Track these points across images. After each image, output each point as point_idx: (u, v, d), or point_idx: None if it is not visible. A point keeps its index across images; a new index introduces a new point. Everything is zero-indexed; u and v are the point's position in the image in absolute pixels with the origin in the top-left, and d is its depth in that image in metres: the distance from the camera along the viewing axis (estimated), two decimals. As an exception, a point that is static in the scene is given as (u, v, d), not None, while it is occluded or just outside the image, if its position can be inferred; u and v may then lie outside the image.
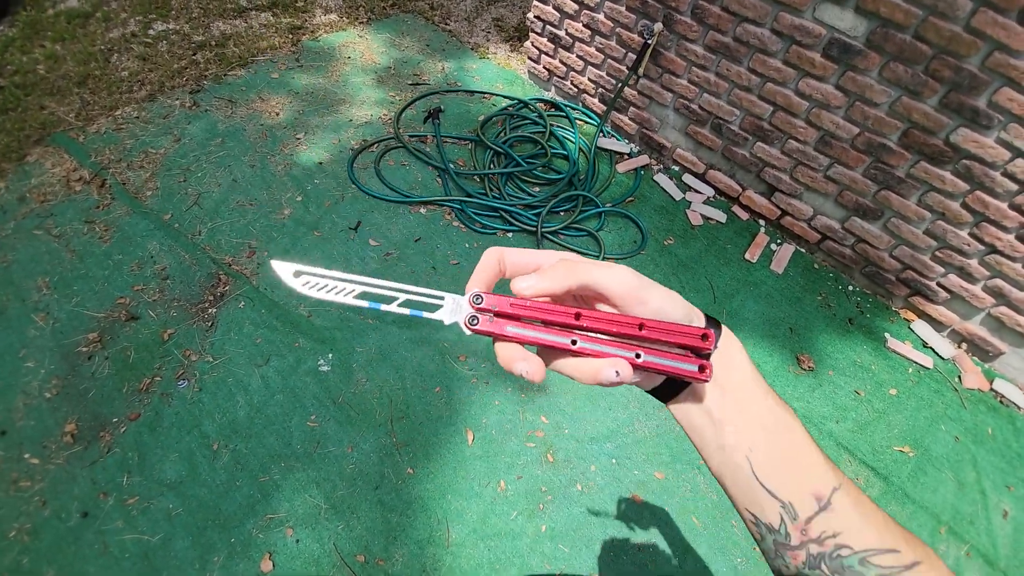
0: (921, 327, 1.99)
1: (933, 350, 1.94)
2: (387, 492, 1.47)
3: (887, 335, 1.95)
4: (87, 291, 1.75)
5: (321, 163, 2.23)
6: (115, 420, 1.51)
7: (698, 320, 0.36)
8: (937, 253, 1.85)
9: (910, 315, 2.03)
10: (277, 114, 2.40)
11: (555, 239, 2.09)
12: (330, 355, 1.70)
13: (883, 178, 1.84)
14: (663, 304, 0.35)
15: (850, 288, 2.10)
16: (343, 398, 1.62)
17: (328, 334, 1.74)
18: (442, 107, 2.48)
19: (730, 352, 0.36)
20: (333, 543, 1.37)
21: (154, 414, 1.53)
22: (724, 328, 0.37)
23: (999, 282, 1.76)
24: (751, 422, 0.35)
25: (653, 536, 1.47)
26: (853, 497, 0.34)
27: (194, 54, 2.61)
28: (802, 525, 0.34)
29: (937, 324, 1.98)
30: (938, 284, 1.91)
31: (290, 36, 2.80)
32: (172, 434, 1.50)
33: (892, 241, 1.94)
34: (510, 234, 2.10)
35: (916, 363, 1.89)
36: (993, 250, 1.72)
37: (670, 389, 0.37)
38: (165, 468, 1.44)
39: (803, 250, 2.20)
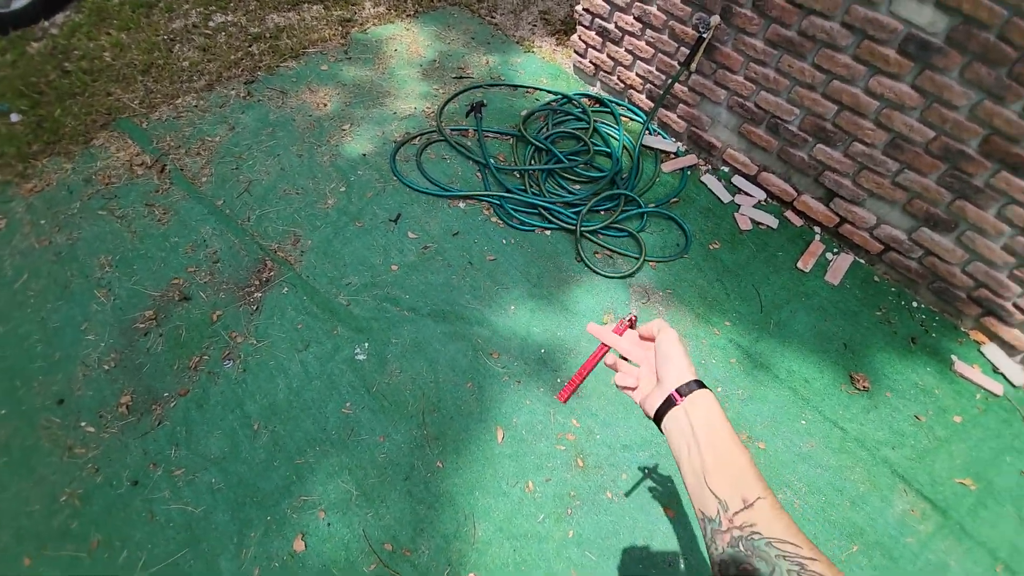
0: (992, 351, 1.83)
1: (1004, 376, 1.78)
2: (416, 484, 1.48)
3: (954, 357, 1.81)
4: (145, 271, 1.84)
5: (365, 155, 2.26)
6: (166, 395, 1.59)
7: (688, 376, 0.59)
8: (1016, 272, 1.69)
9: (980, 337, 1.87)
10: (325, 105, 2.45)
11: (594, 238, 2.04)
12: (366, 344, 1.72)
13: (959, 187, 1.69)
14: (669, 349, 0.62)
15: (914, 304, 1.96)
16: (377, 387, 1.64)
17: (365, 323, 1.76)
18: (485, 101, 2.46)
19: (708, 400, 0.57)
20: (362, 529, 1.39)
21: (202, 391, 1.59)
22: (704, 389, 0.57)
23: (1090, 306, 1.59)
24: (708, 447, 0.53)
25: (684, 553, 1.41)
26: (772, 505, 0.47)
27: (250, 46, 2.70)
28: (730, 516, 0.48)
29: (1010, 348, 1.81)
30: (1014, 305, 1.74)
31: (340, 28, 2.85)
32: (217, 412, 1.56)
33: (965, 256, 1.79)
34: (548, 232, 2.07)
35: (984, 389, 1.74)
36: (1085, 271, 1.55)
37: (662, 412, 0.58)
38: (210, 444, 1.51)
39: (863, 261, 2.06)
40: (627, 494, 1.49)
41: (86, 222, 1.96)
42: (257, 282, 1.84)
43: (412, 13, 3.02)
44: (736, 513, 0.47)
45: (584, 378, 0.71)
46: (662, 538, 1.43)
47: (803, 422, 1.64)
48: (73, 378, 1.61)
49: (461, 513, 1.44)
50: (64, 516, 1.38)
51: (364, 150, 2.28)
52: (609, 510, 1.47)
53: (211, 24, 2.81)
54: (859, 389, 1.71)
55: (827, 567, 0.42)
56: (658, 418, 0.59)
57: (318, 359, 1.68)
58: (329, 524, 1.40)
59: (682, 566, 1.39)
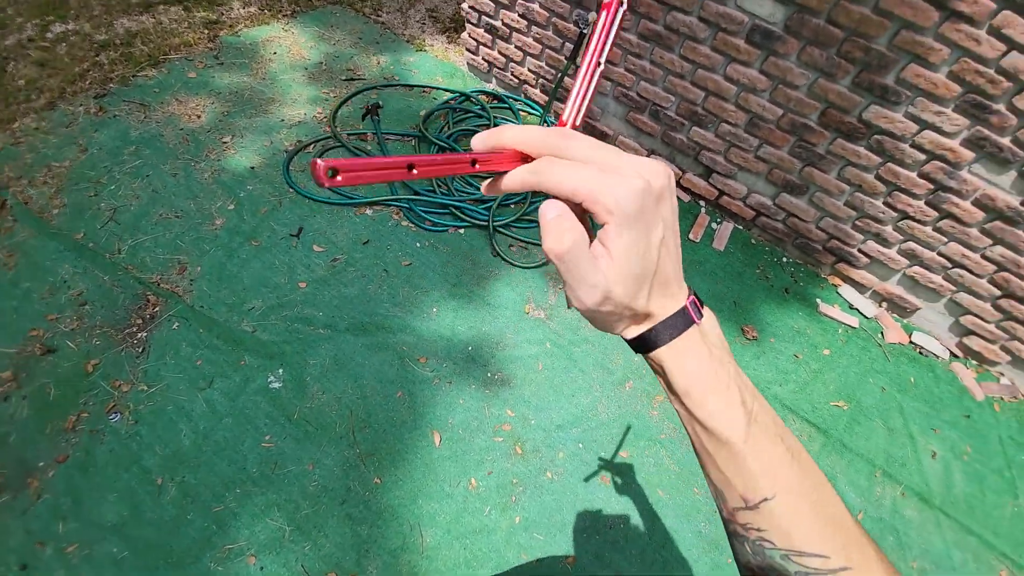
0: (847, 291, 2.16)
1: (858, 311, 2.11)
2: (354, 505, 1.42)
3: (818, 300, 2.11)
4: (-10, 325, 1.56)
5: (253, 167, 2.10)
6: (41, 464, 1.37)
7: (683, 288, 0.36)
8: (857, 222, 2.01)
9: (837, 281, 2.20)
10: (198, 117, 2.23)
11: (508, 232, 2.09)
12: (280, 370, 1.61)
13: (806, 155, 1.97)
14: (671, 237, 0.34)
15: (784, 260, 2.25)
16: (299, 414, 1.54)
17: (276, 348, 1.65)
18: (380, 103, 2.39)
19: (715, 325, 0.37)
20: (301, 564, 1.32)
21: (84, 453, 1.39)
22: (706, 309, 0.37)
23: (912, 245, 1.93)
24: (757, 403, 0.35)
25: (623, 513, 1.51)
26: (787, 508, 0.33)
27: (97, 55, 2.37)
28: (730, 508, 0.35)
29: (860, 287, 2.15)
30: (859, 250, 2.07)
31: (206, 31, 2.60)
32: (108, 473, 1.38)
33: (817, 214, 2.09)
34: (462, 230, 2.08)
35: (845, 324, 2.06)
36: (905, 216, 1.89)
37: (648, 342, 0.35)
38: (104, 510, 1.32)
39: (741, 227, 2.32)
40: (565, 472, 1.56)
41: (-102, 277, 1.61)
42: (140, 320, 1.64)
43: (289, 13, 2.83)
44: (736, 511, 0.35)
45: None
46: (601, 504, 1.52)
47: (709, 377, 1.82)
48: (-93, 467, 1.33)
49: (406, 524, 1.41)
50: (-83, 633, 1.15)
51: (252, 163, 2.11)
52: (551, 490, 1.52)
53: (49, 35, 2.42)
54: (749, 339, 1.93)
55: (863, 573, 0.33)
56: (653, 340, 0.34)
57: (226, 395, 1.54)
58: (262, 568, 1.30)
59: (622, 527, 1.49)
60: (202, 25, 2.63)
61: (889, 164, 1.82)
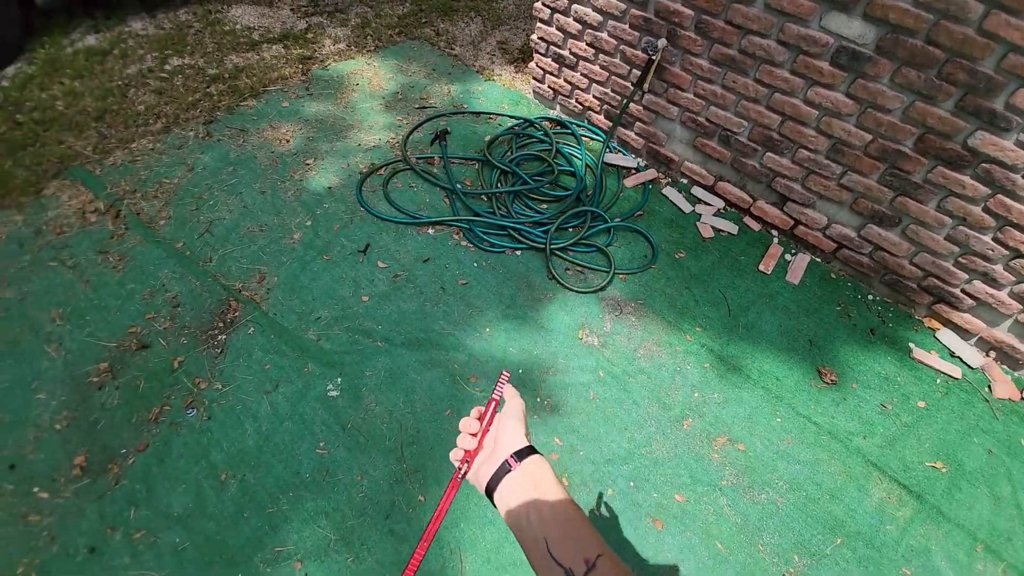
0: (947, 336, 1.91)
1: (961, 359, 1.86)
2: (398, 521, 1.42)
3: (911, 345, 1.88)
4: (99, 321, 1.76)
5: (330, 187, 2.25)
6: (124, 451, 1.50)
7: (523, 442, 0.58)
8: (960, 259, 1.79)
9: (935, 324, 1.95)
10: (287, 141, 2.44)
11: (564, 255, 2.07)
12: (339, 379, 1.68)
13: (899, 184, 1.80)
14: (509, 432, 0.60)
15: (870, 297, 2.04)
16: (352, 423, 1.59)
17: (337, 358, 1.72)
18: (448, 129, 2.50)
19: (541, 464, 0.56)
20: (343, 576, 1.33)
21: (163, 444, 1.51)
22: (537, 454, 0.57)
23: (1029, 288, 1.69)
24: (550, 513, 0.52)
25: (676, 564, 1.40)
26: (611, 561, 0.48)
27: (208, 87, 2.69)
28: None
29: (963, 332, 1.90)
30: (962, 291, 1.84)
31: (300, 66, 2.87)
32: (180, 465, 1.48)
33: (912, 248, 1.88)
34: (519, 252, 2.09)
35: (944, 373, 1.81)
36: (1018, 255, 1.66)
37: (495, 481, 0.56)
38: (172, 501, 1.42)
39: (819, 260, 2.15)
40: (615, 509, 1.47)
41: (36, 275, 1.87)
42: (221, 324, 1.79)
43: (373, 48, 3.07)
44: None
45: (433, 533, 0.59)
46: (651, 550, 1.41)
47: (778, 419, 1.67)
48: (24, 441, 1.50)
49: (446, 548, 1.39)
50: (15, 594, 1.27)
51: (329, 183, 2.27)
52: (598, 528, 1.44)
53: (167, 68, 2.79)
54: (827, 383, 1.75)
55: None
56: (490, 489, 0.56)
57: (288, 399, 1.62)
58: (306, 574, 1.33)
59: (675, 580, 1.37)
60: (297, 60, 2.91)
61: (999, 196, 1.62)
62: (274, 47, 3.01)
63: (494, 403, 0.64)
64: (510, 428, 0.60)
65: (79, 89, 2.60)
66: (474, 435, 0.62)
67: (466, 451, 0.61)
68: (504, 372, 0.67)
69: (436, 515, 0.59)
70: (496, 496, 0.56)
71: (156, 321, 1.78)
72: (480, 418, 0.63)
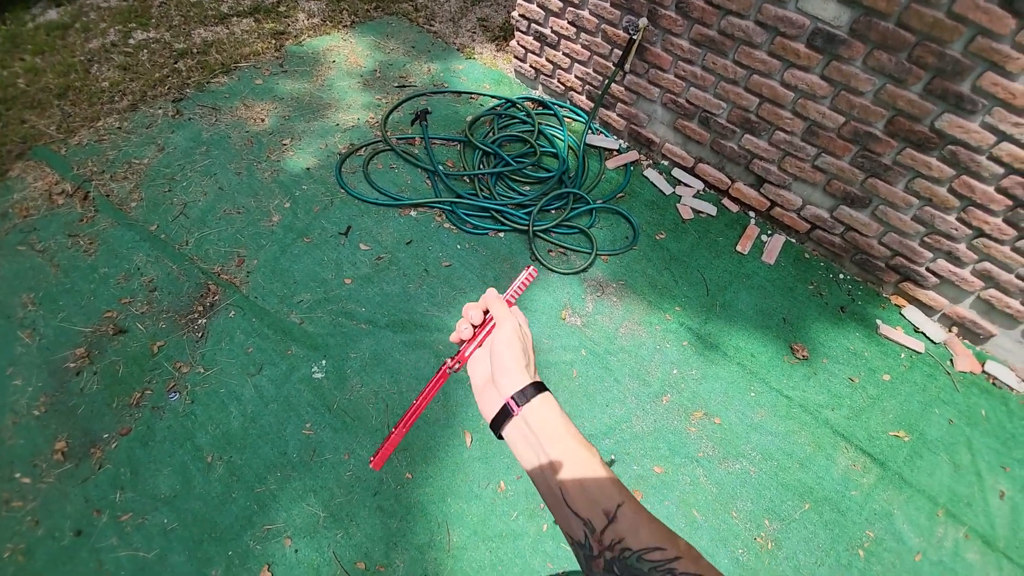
0: (912, 312, 2.00)
1: (924, 335, 1.95)
2: (386, 498, 1.46)
3: (879, 321, 1.97)
4: (73, 306, 1.72)
5: (308, 168, 2.21)
6: (106, 436, 1.49)
7: (524, 380, 0.51)
8: (925, 239, 1.87)
9: (901, 301, 2.04)
10: (263, 120, 2.38)
11: (547, 237, 2.09)
12: (324, 361, 1.68)
13: (870, 166, 1.85)
14: (501, 347, 0.53)
15: (841, 276, 2.12)
16: (338, 405, 1.60)
17: (321, 340, 1.72)
18: (429, 109, 2.46)
19: (546, 406, 0.50)
20: (332, 551, 1.36)
21: (146, 428, 1.51)
22: (547, 391, 0.51)
23: (987, 265, 1.77)
24: (561, 461, 0.47)
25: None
26: (633, 509, 0.43)
27: (176, 62, 2.58)
28: (598, 536, 0.43)
29: (928, 309, 1.99)
30: (927, 269, 1.92)
31: (273, 41, 2.78)
32: (165, 448, 1.48)
33: (880, 228, 1.95)
34: (502, 234, 2.09)
35: (908, 348, 1.90)
36: (981, 234, 1.74)
37: (498, 423, 0.51)
38: (159, 483, 1.42)
39: (793, 240, 2.21)
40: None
41: (4, 259, 1.81)
42: (200, 308, 1.76)
43: (349, 24, 2.98)
44: (603, 532, 0.43)
45: (407, 428, 0.55)
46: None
47: (752, 394, 1.74)
48: (2, 427, 1.48)
49: (434, 522, 1.43)
50: (9, 574, 1.27)
51: (308, 164, 2.23)
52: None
53: (131, 42, 2.67)
54: (799, 359, 1.83)
55: (693, 561, 0.40)
56: (495, 427, 0.51)
57: (273, 382, 1.62)
58: (297, 551, 1.35)
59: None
60: (270, 35, 2.81)
61: (964, 177, 1.68)
62: (245, 21, 2.89)
63: (506, 305, 0.55)
64: (508, 361, 0.51)
65: (40, 65, 2.47)
66: (475, 327, 0.56)
67: (461, 346, 0.55)
68: (531, 269, 0.58)
69: (419, 401, 0.54)
70: (505, 437, 0.51)
71: (132, 305, 1.74)
72: (484, 314, 0.56)
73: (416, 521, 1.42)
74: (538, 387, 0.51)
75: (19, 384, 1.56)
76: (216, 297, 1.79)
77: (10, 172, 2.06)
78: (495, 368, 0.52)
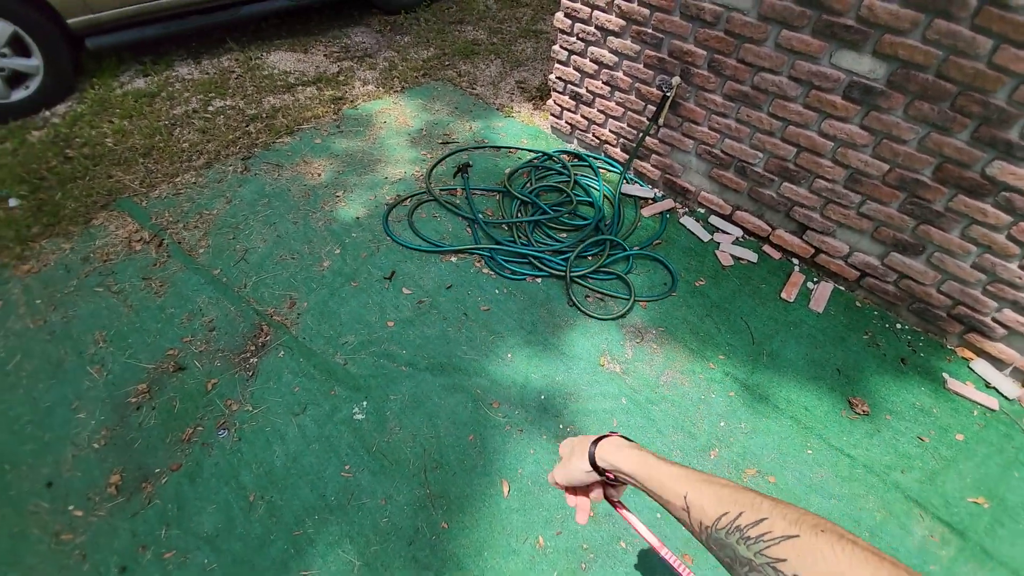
0: (981, 366, 1.87)
1: (997, 390, 1.80)
2: (421, 548, 1.41)
3: (945, 375, 1.84)
4: (140, 343, 1.84)
5: (358, 218, 2.35)
6: (157, 471, 1.53)
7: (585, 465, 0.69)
8: (988, 287, 1.77)
9: (968, 354, 1.91)
10: (319, 175, 2.58)
11: (584, 283, 2.10)
12: (364, 403, 1.70)
13: (920, 212, 1.81)
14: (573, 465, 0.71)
15: (898, 326, 2.01)
16: (377, 447, 1.60)
17: (363, 382, 1.76)
18: (470, 162, 2.61)
19: (615, 442, 0.66)
20: (366, 603, 1.31)
21: (194, 464, 1.55)
22: (615, 435, 0.68)
23: (1063, 316, 1.65)
24: (676, 481, 0.56)
25: (707, 601, 1.35)
26: (698, 492, 0.51)
27: (247, 126, 2.87)
28: (689, 526, 0.52)
29: (998, 362, 1.85)
30: (993, 319, 1.81)
31: (332, 106, 3.06)
32: (211, 485, 1.51)
33: (938, 276, 1.87)
34: (539, 280, 2.13)
35: (980, 405, 1.76)
36: (1051, 282, 1.64)
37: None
38: (203, 520, 1.44)
39: (842, 288, 2.14)
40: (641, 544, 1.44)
41: (82, 299, 1.98)
42: (253, 347, 1.85)
43: (399, 89, 3.26)
44: (689, 524, 0.52)
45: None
46: (682, 587, 1.36)
47: (809, 451, 1.63)
48: (63, 459, 1.55)
49: (470, 576, 1.37)
50: (45, 612, 1.29)
51: (358, 213, 2.37)
52: (625, 561, 1.41)
53: (210, 109, 3.00)
54: (859, 414, 1.71)
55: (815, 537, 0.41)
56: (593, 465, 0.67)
57: (316, 422, 1.65)
58: (331, 599, 1.32)
59: (706, 617, 1.32)
60: (329, 101, 3.10)
61: (1022, 224, 1.61)
62: (308, 89, 3.21)
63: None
64: (573, 464, 0.71)
65: (128, 128, 2.80)
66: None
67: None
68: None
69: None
70: (599, 457, 0.67)
71: (192, 344, 1.85)
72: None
73: (451, 575, 1.37)
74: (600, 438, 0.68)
75: (82, 417, 1.65)
76: (268, 337, 1.88)
77: (94, 221, 2.29)
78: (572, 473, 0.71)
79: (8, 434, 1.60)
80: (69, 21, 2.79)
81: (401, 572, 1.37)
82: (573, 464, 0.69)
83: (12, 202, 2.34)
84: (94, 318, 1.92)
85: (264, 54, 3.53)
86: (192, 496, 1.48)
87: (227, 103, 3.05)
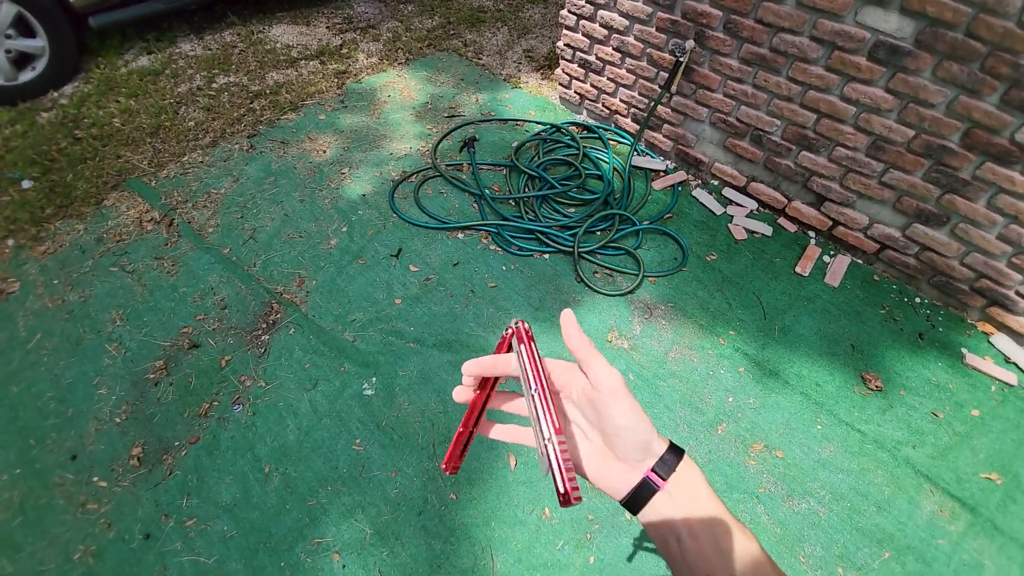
0: (1002, 341, 1.81)
1: (1017, 366, 1.75)
2: (430, 518, 1.45)
3: (964, 350, 1.79)
4: (155, 322, 1.88)
5: (364, 195, 2.34)
6: (177, 444, 1.59)
7: (658, 445, 0.40)
8: (1014, 259, 1.70)
9: (989, 328, 1.85)
10: (325, 152, 2.55)
11: (592, 259, 2.07)
12: (374, 379, 1.73)
13: (946, 181, 1.72)
14: (626, 420, 0.40)
15: (917, 300, 1.95)
16: (386, 422, 1.63)
17: (372, 358, 1.78)
18: (477, 136, 2.55)
19: (694, 477, 0.41)
20: (379, 570, 1.36)
21: (212, 438, 1.60)
22: (685, 457, 0.41)
23: (1094, 289, 1.58)
24: (710, 544, 0.38)
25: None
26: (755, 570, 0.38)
27: (251, 102, 2.84)
28: None
29: (1019, 337, 1.79)
30: (1017, 293, 1.74)
31: (336, 80, 3.00)
32: (228, 457, 1.56)
33: (962, 248, 1.80)
34: (547, 255, 2.11)
35: (999, 380, 1.71)
36: (1083, 253, 1.56)
37: (636, 502, 0.41)
38: (221, 490, 1.50)
39: (860, 261, 2.07)
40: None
41: (98, 279, 2.02)
42: (264, 325, 1.87)
43: (403, 61, 3.18)
44: None
45: (470, 435, 0.46)
46: (686, 558, 1.38)
47: (819, 427, 1.61)
48: (85, 433, 1.62)
49: (478, 546, 1.41)
50: (78, 575, 1.36)
51: (364, 191, 2.35)
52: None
53: (214, 86, 2.97)
54: (872, 389, 1.68)
55: None
56: (633, 506, 0.41)
57: (327, 397, 1.68)
58: (344, 566, 1.37)
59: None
60: (333, 75, 3.04)
61: (1059, 191, 1.53)
62: (311, 63, 3.15)
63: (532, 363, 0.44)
64: (632, 420, 0.40)
65: (134, 107, 2.79)
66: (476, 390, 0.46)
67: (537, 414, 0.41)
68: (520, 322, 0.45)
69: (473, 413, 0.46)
70: (642, 519, 0.41)
71: (206, 322, 1.88)
72: (484, 386, 0.46)
73: (460, 544, 1.41)
74: (675, 449, 0.41)
75: (104, 393, 1.70)
76: (278, 315, 1.90)
77: (105, 201, 2.31)
78: (610, 424, 0.40)
79: (32, 410, 1.66)
80: (72, 0, 2.76)
81: (411, 540, 1.41)
82: (611, 410, 0.40)
83: (25, 184, 2.37)
84: (110, 297, 1.96)
85: (266, 27, 3.46)
86: (211, 468, 1.54)
87: (231, 79, 3.01)
